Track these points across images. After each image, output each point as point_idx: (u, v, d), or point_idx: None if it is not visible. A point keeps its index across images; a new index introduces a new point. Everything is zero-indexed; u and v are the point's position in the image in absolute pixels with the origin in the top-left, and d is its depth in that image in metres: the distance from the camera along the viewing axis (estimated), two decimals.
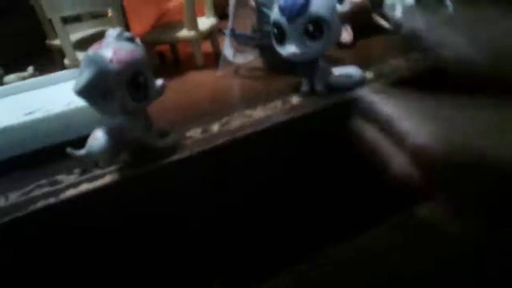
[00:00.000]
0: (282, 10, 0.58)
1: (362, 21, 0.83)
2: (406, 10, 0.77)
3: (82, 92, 0.45)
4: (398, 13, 0.78)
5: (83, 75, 0.45)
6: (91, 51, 0.46)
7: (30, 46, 0.98)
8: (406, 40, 0.77)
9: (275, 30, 0.60)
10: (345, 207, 0.60)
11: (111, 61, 0.45)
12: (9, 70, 0.84)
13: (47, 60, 0.93)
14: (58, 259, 0.46)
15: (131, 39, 0.49)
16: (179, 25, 0.83)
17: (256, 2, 0.72)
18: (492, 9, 0.63)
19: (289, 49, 0.58)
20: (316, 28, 0.57)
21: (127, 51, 0.47)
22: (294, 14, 0.57)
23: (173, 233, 0.51)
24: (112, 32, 0.49)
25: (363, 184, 0.60)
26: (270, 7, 0.68)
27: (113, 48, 0.47)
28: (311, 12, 0.56)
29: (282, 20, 0.58)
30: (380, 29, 0.84)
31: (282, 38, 0.59)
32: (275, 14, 0.59)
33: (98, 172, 0.48)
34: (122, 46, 0.47)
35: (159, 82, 0.51)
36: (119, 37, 0.48)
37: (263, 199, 0.55)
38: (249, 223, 0.55)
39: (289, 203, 0.57)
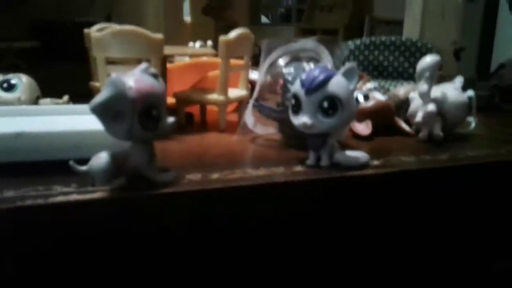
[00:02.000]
0: (302, 82, 0.61)
1: (384, 120, 0.86)
2: (427, 115, 0.79)
3: (96, 108, 0.48)
4: (418, 117, 0.81)
5: (101, 94, 0.48)
6: (115, 75, 0.50)
7: (78, 87, 1.05)
8: (422, 144, 0.79)
9: (293, 101, 0.63)
10: None
11: (130, 88, 0.49)
12: None
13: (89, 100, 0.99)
14: (33, 260, 0.46)
15: (154, 75, 0.53)
16: (212, 91, 0.88)
17: (284, 79, 0.77)
18: None
19: (301, 119, 0.61)
20: (331, 105, 0.60)
21: (147, 84, 0.51)
22: (312, 88, 0.60)
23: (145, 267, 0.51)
24: (140, 66, 0.53)
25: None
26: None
27: (136, 78, 0.51)
28: (329, 89, 0.60)
29: (301, 92, 0.61)
30: (401, 132, 0.87)
31: (298, 109, 0.62)
32: (296, 86, 0.63)
33: (91, 188, 0.50)
34: (144, 78, 0.51)
35: (170, 119, 0.54)
36: (144, 70, 0.53)
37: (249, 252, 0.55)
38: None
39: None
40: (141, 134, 0.50)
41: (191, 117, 0.96)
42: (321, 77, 0.60)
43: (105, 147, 0.52)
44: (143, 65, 0.53)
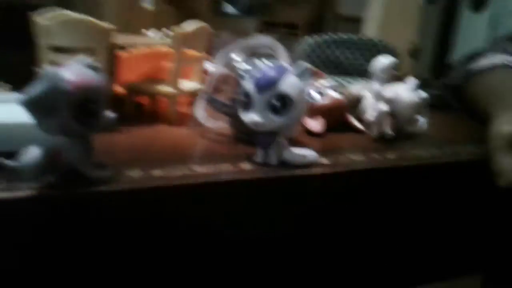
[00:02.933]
0: (253, 80, 0.60)
1: (337, 117, 0.86)
2: (378, 114, 0.80)
3: (28, 103, 0.45)
4: (370, 116, 0.81)
5: (34, 88, 0.45)
6: (49, 67, 0.47)
7: (23, 72, 1.00)
8: (372, 142, 0.80)
9: (243, 98, 0.62)
10: None
11: (66, 81, 0.46)
12: None
13: None
14: None
15: (95, 68, 0.50)
16: (163, 82, 0.85)
17: (237, 75, 0.75)
18: None
19: (251, 117, 0.60)
20: (281, 104, 0.59)
21: (85, 77, 0.48)
22: (263, 85, 0.59)
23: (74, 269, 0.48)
24: (78, 58, 0.50)
25: None
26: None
27: (72, 70, 0.48)
28: (280, 88, 0.59)
29: (252, 89, 0.60)
30: (352, 128, 0.87)
31: (247, 106, 0.61)
32: (247, 82, 0.62)
33: (19, 185, 0.47)
34: (82, 71, 0.48)
35: (110, 114, 0.51)
36: (84, 63, 0.50)
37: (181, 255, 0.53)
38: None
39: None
40: (76, 129, 0.48)
41: (141, 107, 0.93)
42: (273, 75, 0.59)
43: (37, 140, 0.48)
44: (81, 56, 0.50)
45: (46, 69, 0.46)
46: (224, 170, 0.58)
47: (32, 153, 0.47)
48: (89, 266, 0.49)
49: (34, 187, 0.47)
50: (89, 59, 0.51)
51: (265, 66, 0.62)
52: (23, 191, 0.46)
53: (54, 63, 0.76)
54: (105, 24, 0.73)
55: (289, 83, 0.59)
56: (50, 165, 0.48)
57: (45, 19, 0.74)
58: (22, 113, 0.48)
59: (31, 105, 0.45)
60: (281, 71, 0.60)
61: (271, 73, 0.59)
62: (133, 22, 1.68)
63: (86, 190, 0.48)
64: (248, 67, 0.74)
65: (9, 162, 0.47)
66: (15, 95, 0.70)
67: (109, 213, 0.49)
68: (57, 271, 0.48)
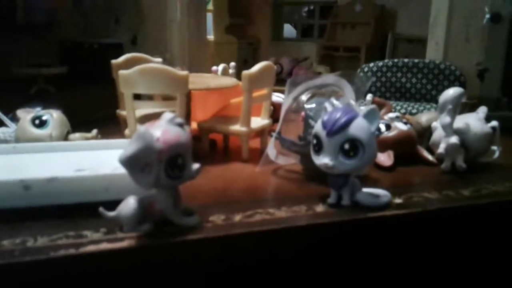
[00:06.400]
0: (323, 124, 0.62)
1: (406, 150, 0.86)
2: (449, 147, 0.79)
3: (125, 162, 0.50)
4: (441, 149, 0.81)
5: (130, 147, 0.51)
6: (143, 127, 0.52)
7: (105, 110, 1.09)
8: (445, 175, 0.79)
9: (314, 141, 0.64)
10: None
11: (157, 140, 0.51)
12: (81, 129, 0.92)
13: (115, 127, 1.02)
14: None
15: (180, 125, 0.55)
16: (235, 119, 0.90)
17: (306, 114, 0.78)
18: None
19: (322, 160, 0.62)
20: (352, 147, 0.61)
21: (174, 135, 0.53)
22: (333, 130, 0.61)
23: None
24: (166, 116, 0.55)
25: None
26: (316, 120, 0.74)
27: (163, 129, 0.53)
28: (350, 132, 0.61)
29: (322, 133, 0.62)
30: (423, 161, 0.87)
31: (319, 149, 0.63)
32: (317, 126, 0.64)
33: (120, 235, 0.52)
34: (170, 129, 0.53)
35: (195, 165, 0.56)
36: (170, 121, 0.55)
37: None
38: None
39: None
40: (166, 182, 0.52)
41: (215, 144, 0.98)
42: (342, 120, 0.61)
43: (132, 189, 0.54)
44: (169, 114, 0.55)
45: (140, 129, 0.51)
46: (300, 213, 0.60)
47: (129, 205, 0.53)
48: None
49: (132, 237, 0.52)
50: (175, 117, 0.55)
51: (333, 108, 0.65)
52: (123, 242, 0.51)
53: (136, 108, 0.83)
54: (182, 73, 0.79)
55: (359, 127, 0.61)
56: (145, 214, 0.53)
57: (127, 70, 0.80)
58: (116, 162, 0.53)
59: (127, 163, 0.51)
60: (350, 114, 0.62)
61: (341, 117, 0.61)
62: (199, 54, 1.76)
63: (176, 239, 0.52)
64: (316, 107, 0.77)
65: (109, 213, 0.53)
66: (110, 142, 0.77)
67: (197, 259, 0.53)
68: None
